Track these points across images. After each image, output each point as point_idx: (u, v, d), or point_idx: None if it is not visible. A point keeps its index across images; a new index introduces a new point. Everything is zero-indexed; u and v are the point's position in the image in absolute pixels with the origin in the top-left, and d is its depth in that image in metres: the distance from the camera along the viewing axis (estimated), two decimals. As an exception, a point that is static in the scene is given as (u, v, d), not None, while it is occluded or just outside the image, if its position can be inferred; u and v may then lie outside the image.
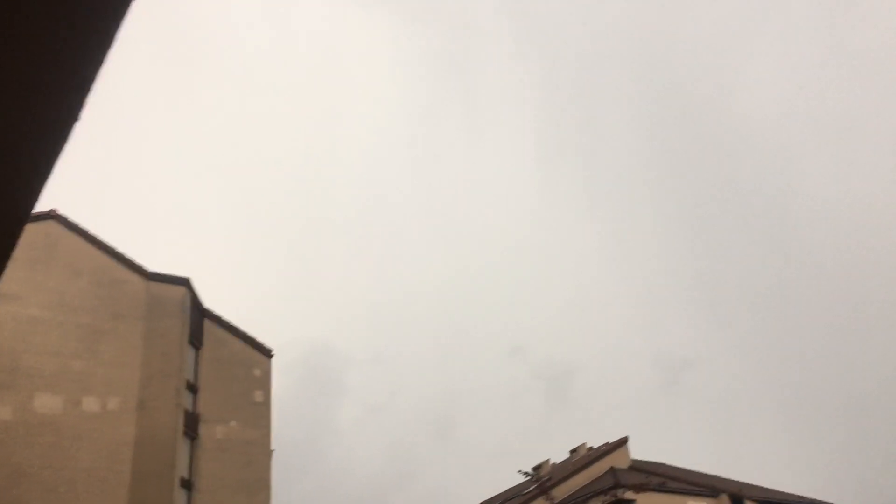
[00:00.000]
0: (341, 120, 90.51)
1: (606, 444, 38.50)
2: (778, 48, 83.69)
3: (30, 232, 23.09)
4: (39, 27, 1.28)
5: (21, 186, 1.53)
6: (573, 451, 40.46)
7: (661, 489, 29.43)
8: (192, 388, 25.61)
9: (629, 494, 26.02)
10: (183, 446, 24.13)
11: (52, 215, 24.53)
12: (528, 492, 33.15)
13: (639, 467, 35.19)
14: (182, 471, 23.82)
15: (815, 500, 35.78)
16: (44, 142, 1.48)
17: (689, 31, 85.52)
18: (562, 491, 32.32)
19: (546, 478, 30.08)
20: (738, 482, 35.31)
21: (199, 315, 26.86)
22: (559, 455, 41.62)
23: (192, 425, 24.85)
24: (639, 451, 38.47)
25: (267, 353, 27.97)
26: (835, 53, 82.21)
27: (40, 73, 1.37)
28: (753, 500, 33.14)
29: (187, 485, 24.05)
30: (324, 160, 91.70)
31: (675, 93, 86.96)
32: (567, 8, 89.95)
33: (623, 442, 37.82)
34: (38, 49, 1.32)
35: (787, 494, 35.73)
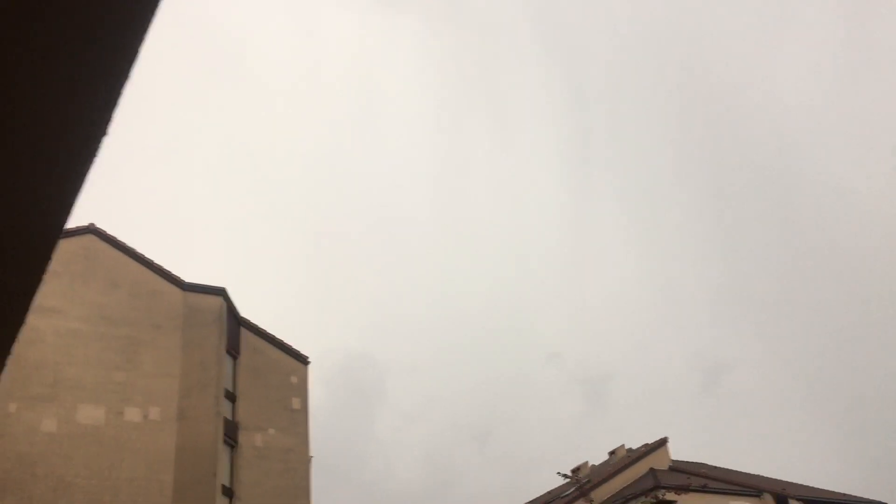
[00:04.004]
0: (371, 127, 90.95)
1: (646, 445, 38.11)
2: (805, 47, 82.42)
3: (69, 246, 23.64)
4: (63, 41, 1.30)
5: (53, 201, 1.56)
6: (612, 453, 40.10)
7: (703, 490, 29.08)
8: (231, 397, 25.87)
9: (670, 496, 25.66)
10: (223, 454, 24.39)
11: (90, 229, 24.97)
12: (568, 494, 32.94)
13: (679, 468, 34.79)
14: (223, 479, 24.07)
15: (862, 497, 35.06)
16: (73, 157, 1.51)
17: (717, 31, 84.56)
18: (601, 493, 32.06)
19: (585, 480, 29.83)
20: (781, 481, 34.72)
21: (236, 324, 27.15)
22: (598, 457, 41.31)
23: (231, 433, 25.11)
24: (679, 451, 38.05)
25: (303, 361, 28.17)
26: (860, 47, 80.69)
27: (66, 89, 1.40)
28: (798, 500, 32.57)
29: (228, 493, 24.28)
30: (358, 167, 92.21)
31: (706, 92, 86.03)
32: (593, 8, 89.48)
33: (662, 443, 37.42)
34: (62, 64, 1.35)
35: (834, 493, 35.04)
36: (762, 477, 35.71)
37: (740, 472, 36.04)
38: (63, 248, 24.99)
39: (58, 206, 1.57)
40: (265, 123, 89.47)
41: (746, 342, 78.34)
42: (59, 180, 1.53)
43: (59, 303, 23.20)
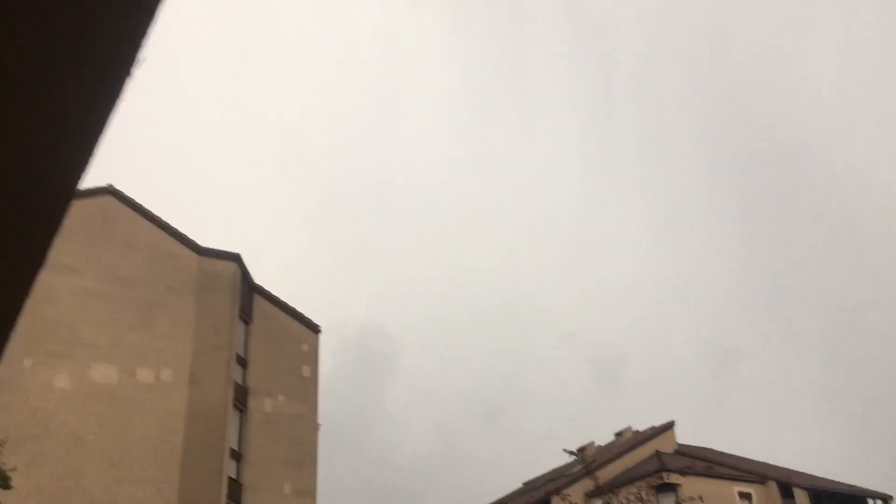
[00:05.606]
0: (395, 106, 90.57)
1: (652, 427, 38.22)
2: (832, 41, 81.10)
3: (87, 207, 23.77)
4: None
5: (67, 160, 1.56)
6: (618, 435, 40.26)
7: (706, 474, 29.14)
8: (242, 362, 26.10)
9: (674, 478, 25.72)
10: (233, 418, 24.67)
11: (108, 191, 25.11)
12: (574, 472, 33.12)
13: (685, 452, 34.89)
14: (232, 442, 24.36)
15: (866, 489, 35.05)
16: (88, 115, 1.50)
17: (745, 24, 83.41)
18: (606, 473, 32.17)
19: (591, 459, 29.98)
20: (786, 469, 34.76)
21: (249, 290, 27.30)
22: (604, 438, 41.46)
23: (241, 398, 25.37)
24: (687, 436, 38.13)
25: (315, 329, 28.32)
26: (888, 41, 79.26)
27: (82, 46, 1.39)
28: (803, 489, 32.60)
29: (236, 456, 24.59)
30: (378, 144, 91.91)
31: (730, 82, 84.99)
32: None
33: (669, 426, 37.51)
34: (78, 19, 1.34)
35: (840, 483, 35.05)
36: (768, 465, 35.75)
37: (747, 459, 36.07)
38: (80, 208, 25.14)
39: (73, 165, 1.57)
40: (285, 92, 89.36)
41: (760, 330, 78.09)
42: (73, 140, 1.53)
43: (75, 262, 23.39)
